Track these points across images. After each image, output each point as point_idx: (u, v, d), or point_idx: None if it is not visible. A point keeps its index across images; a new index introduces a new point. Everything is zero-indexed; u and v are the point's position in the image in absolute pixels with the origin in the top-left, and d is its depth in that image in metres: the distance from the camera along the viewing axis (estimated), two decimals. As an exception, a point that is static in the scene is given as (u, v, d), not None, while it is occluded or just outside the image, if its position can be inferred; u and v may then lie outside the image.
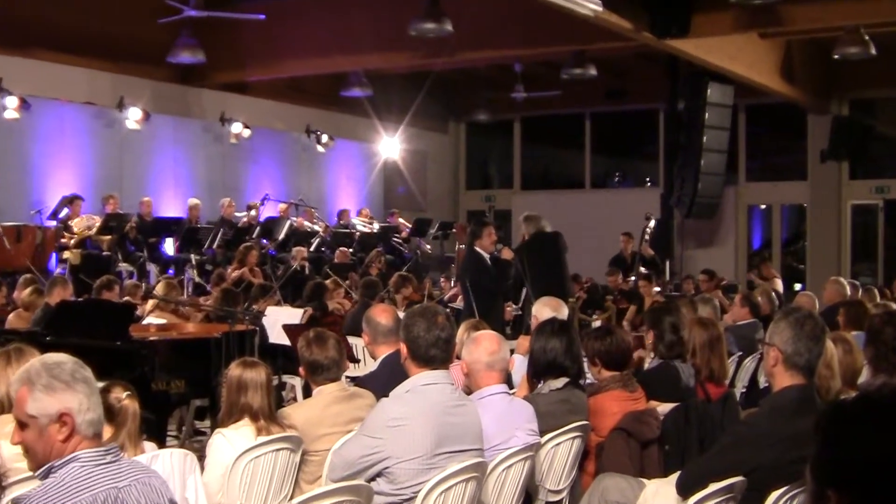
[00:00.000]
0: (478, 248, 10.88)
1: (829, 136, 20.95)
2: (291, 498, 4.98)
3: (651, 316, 6.84)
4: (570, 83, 19.69)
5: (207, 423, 9.18)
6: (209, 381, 7.79)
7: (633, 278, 15.75)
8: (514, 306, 11.72)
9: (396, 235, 20.02)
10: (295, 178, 21.12)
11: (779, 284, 16.81)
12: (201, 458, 5.15)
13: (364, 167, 22.84)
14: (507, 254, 11.01)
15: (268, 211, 18.41)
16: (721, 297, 13.81)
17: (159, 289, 10.87)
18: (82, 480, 3.02)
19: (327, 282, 13.40)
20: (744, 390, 8.88)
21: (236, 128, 19.39)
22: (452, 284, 15.67)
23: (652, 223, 16.91)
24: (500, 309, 11.01)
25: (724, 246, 22.60)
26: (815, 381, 4.25)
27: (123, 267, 15.17)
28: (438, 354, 4.63)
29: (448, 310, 12.85)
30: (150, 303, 10.24)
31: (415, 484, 4.38)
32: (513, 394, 5.47)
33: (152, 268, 15.55)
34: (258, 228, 17.22)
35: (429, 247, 20.70)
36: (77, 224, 15.27)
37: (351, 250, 18.07)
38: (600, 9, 13.26)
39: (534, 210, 12.25)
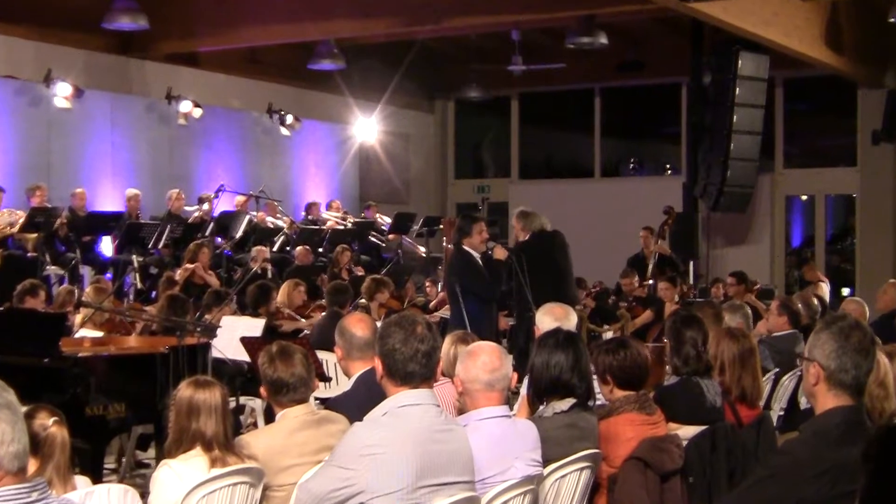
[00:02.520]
0: (467, 247, 10.89)
1: (882, 114, 20.98)
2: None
3: (669, 325, 6.84)
4: (576, 54, 19.67)
5: (152, 453, 9.17)
6: (154, 404, 7.78)
7: (650, 282, 15.75)
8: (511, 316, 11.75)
9: (374, 232, 20.00)
10: (255, 165, 21.09)
11: (824, 289, 16.84)
12: (144, 494, 5.14)
13: (336, 153, 22.81)
14: (499, 253, 11.00)
15: (223, 204, 18.35)
16: (755, 303, 13.84)
17: (88, 294, 10.84)
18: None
19: (284, 284, 13.39)
20: (781, 413, 8.89)
21: (185, 106, 19.34)
22: (439, 289, 15.67)
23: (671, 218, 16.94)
24: (493, 318, 11.01)
25: (758, 244, 22.62)
26: (864, 402, 4.25)
27: (52, 270, 15.12)
28: (418, 370, 4.63)
29: (436, 319, 13.01)
30: (83, 312, 10.20)
31: (394, 523, 4.39)
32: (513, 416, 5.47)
33: (86, 271, 15.50)
34: (212, 225, 17.17)
35: (423, 250, 20.65)
36: (-4, 220, 15.22)
37: (321, 249, 18.04)
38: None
39: (534, 203, 12.27)
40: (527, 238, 11.71)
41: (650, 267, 16.30)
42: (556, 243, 11.78)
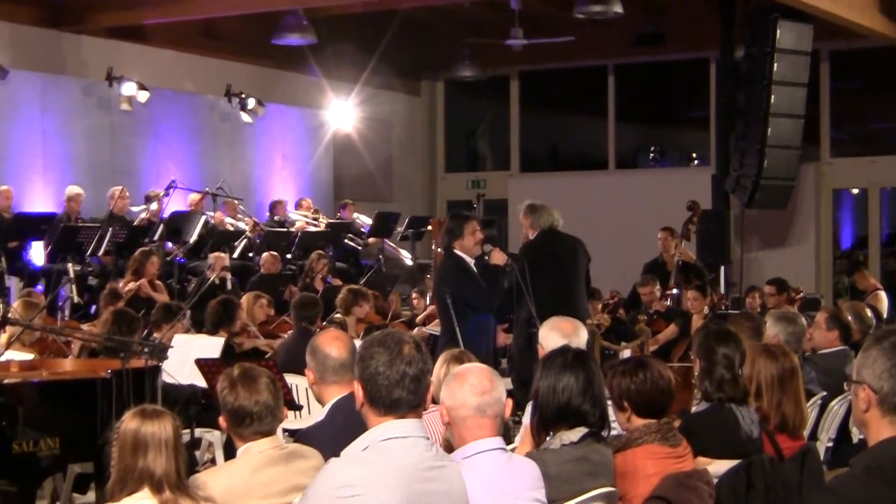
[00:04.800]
0: (458, 251, 10.88)
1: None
2: None
3: (698, 342, 6.85)
4: (586, 25, 19.72)
5: (91, 497, 9.14)
6: (93, 438, 7.76)
7: (674, 291, 15.75)
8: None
9: (351, 235, 20.00)
10: (211, 157, 21.08)
11: (881, 299, 16.83)
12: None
13: (306, 142, 22.81)
14: (497, 257, 10.98)
15: (174, 203, 18.33)
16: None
17: (15, 309, 10.82)
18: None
19: (244, 297, 13.39)
20: (830, 444, 8.89)
21: (129, 89, 19.30)
22: (427, 301, 15.68)
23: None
24: (490, 334, 11.01)
25: (801, 246, 22.67)
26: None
27: (-28, 283, 15.13)
28: (405, 397, 4.63)
29: (424, 336, 13.02)
30: (10, 331, 10.18)
31: (376, 577, 4.40)
32: (511, 450, 5.47)
33: (13, 282, 15.48)
34: (161, 227, 17.14)
35: (406, 254, 20.66)
36: None
37: (289, 255, 18.04)
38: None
39: (539, 199, 12.25)
40: (533, 237, 11.72)
41: (672, 274, 16.28)
42: (569, 245, 11.79)
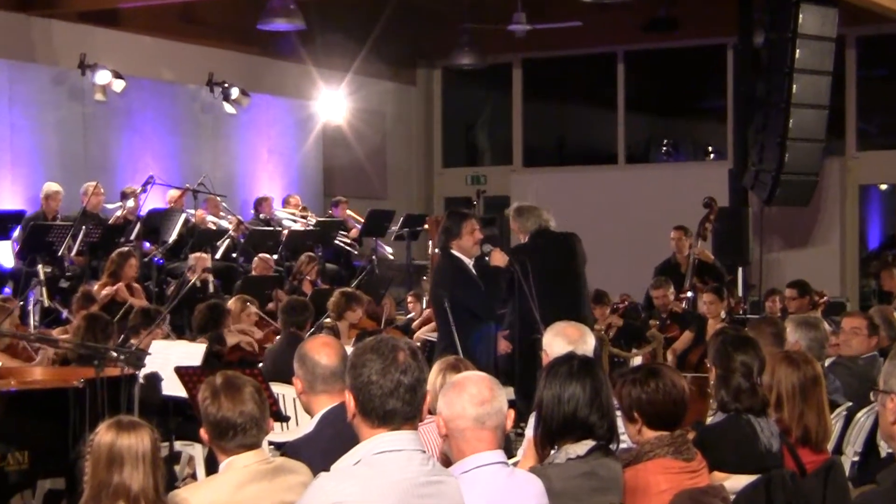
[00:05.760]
0: (456, 252, 10.88)
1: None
2: None
3: (715, 348, 6.84)
4: (594, 10, 19.70)
5: (63, 514, 9.15)
6: (65, 452, 7.76)
7: (689, 294, 15.75)
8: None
9: (343, 234, 20.00)
10: (192, 151, 21.08)
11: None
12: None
13: (294, 135, 22.81)
14: (498, 258, 11.00)
15: (152, 200, 18.35)
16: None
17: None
18: None
19: (231, 301, 13.39)
20: (856, 458, 8.89)
21: (103, 77, 19.29)
22: (424, 305, 15.68)
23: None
24: (491, 340, 11.01)
25: (825, 246, 22.68)
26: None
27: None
28: (400, 408, 4.65)
29: (420, 342, 13.02)
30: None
31: None
32: (513, 465, 5.48)
33: (-21, 285, 15.50)
34: (138, 226, 17.14)
35: (390, 250, 20.69)
36: None
37: (276, 257, 18.05)
38: None
39: (542, 196, 12.29)
40: (525, 241, 11.74)
41: (687, 276, 16.26)
42: (563, 246, 11.80)
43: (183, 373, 9.24)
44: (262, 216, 20.00)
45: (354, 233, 20.31)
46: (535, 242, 11.65)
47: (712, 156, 24.71)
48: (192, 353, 10.22)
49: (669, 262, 17.48)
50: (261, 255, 17.27)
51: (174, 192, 18.72)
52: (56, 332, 12.12)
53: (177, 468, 10.14)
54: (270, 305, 15.17)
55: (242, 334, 12.75)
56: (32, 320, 14.39)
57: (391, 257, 20.61)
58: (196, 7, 20.63)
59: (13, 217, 16.35)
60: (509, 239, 17.45)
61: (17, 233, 16.07)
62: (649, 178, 23.96)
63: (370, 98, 23.68)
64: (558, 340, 7.26)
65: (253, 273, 16.81)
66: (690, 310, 15.26)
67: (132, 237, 16.75)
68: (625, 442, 6.03)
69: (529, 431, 6.26)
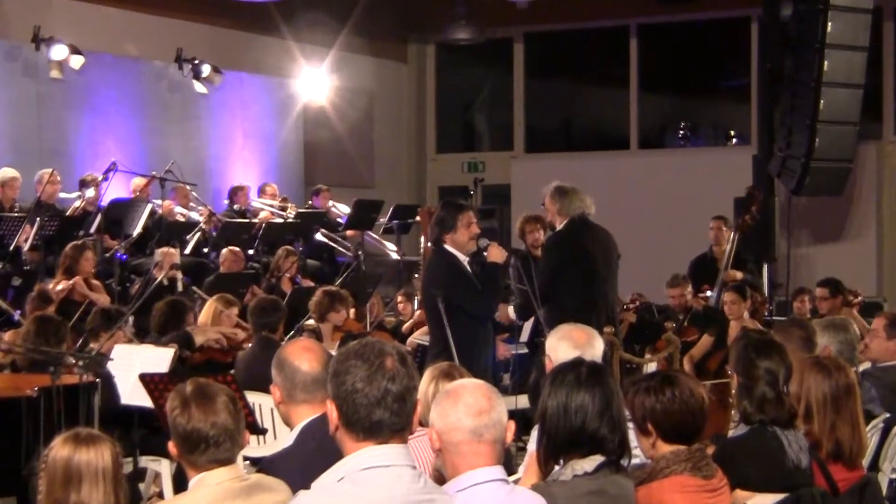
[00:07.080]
0: (449, 247, 10.86)
1: None
2: None
3: (737, 353, 6.83)
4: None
5: (15, 536, 9.15)
6: (17, 468, 7.76)
7: (709, 293, 15.72)
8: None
9: (325, 228, 20.00)
10: (159, 134, 21.09)
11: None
12: None
13: (272, 117, 22.85)
14: (496, 254, 10.99)
15: (115, 189, 18.35)
16: (857, 321, 13.79)
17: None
18: None
19: (210, 301, 13.36)
20: (894, 476, 8.89)
21: (59, 53, 19.29)
22: (415, 306, 15.68)
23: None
24: (488, 344, 11.01)
25: (860, 240, 22.72)
26: None
27: None
28: (387, 419, 4.64)
29: (412, 347, 13.02)
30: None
31: None
32: (514, 482, 5.47)
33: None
34: (99, 218, 17.14)
35: (392, 247, 20.68)
36: None
37: (251, 251, 18.04)
38: None
39: (544, 186, 12.25)
40: (561, 227, 11.73)
41: (722, 272, 16.14)
42: (601, 238, 11.85)
43: (148, 380, 9.21)
44: (236, 207, 19.98)
45: (353, 234, 20.20)
46: (574, 229, 11.63)
47: (735, 140, 24.74)
48: (159, 358, 10.18)
49: (705, 256, 17.44)
50: (230, 247, 17.16)
51: (139, 181, 18.73)
52: (7, 337, 12.08)
53: (141, 486, 10.14)
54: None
55: (220, 334, 12.69)
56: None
57: (392, 254, 20.57)
58: (164, -24, 20.67)
59: (-40, 207, 16.34)
60: (508, 233, 17.51)
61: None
62: (665, 165, 23.97)
63: (356, 76, 23.70)
64: (563, 344, 7.25)
65: (222, 268, 16.75)
66: (713, 309, 15.14)
67: (92, 230, 16.74)
68: (637, 457, 6.02)
69: (532, 445, 6.25)
